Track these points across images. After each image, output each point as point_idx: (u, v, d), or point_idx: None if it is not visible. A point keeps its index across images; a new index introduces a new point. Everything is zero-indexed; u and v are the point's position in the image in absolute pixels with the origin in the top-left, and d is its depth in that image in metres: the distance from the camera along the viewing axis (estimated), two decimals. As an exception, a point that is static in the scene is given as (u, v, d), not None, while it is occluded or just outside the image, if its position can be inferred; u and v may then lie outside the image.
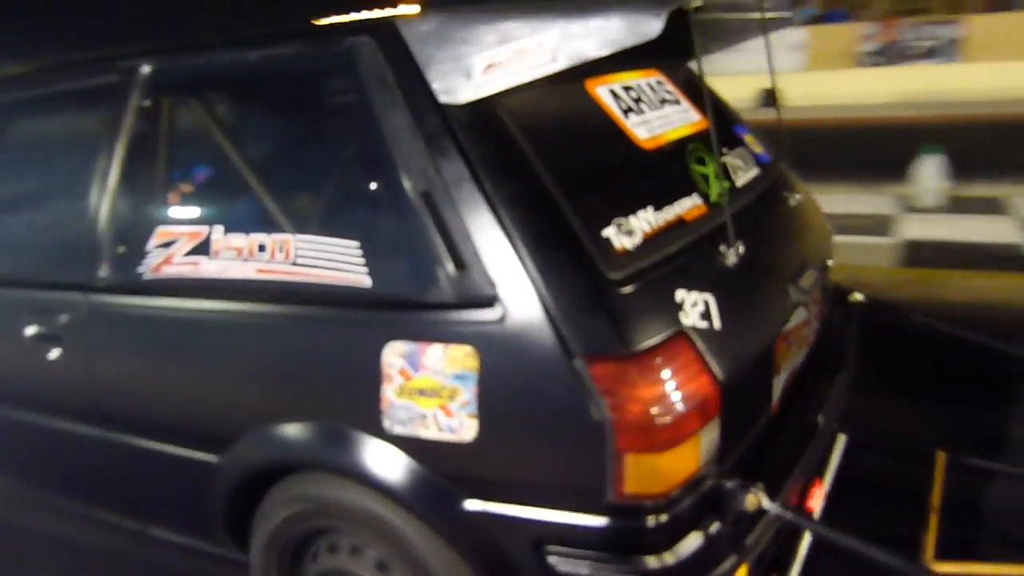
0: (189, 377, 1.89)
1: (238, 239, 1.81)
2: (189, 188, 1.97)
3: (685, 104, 2.22)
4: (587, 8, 1.53)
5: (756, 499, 1.55)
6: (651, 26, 1.48)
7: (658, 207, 1.74)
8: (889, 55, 12.45)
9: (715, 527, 1.54)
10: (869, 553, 1.51)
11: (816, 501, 1.90)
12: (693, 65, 2.32)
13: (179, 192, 1.98)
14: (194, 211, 1.94)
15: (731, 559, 1.52)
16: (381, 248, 1.64)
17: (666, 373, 1.45)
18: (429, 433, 1.57)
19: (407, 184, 1.60)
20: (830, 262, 2.39)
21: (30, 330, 2.13)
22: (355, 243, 1.66)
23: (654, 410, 1.43)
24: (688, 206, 1.82)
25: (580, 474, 1.47)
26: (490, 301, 1.51)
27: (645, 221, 1.68)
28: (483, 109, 1.60)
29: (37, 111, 2.32)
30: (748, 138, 2.44)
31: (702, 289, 1.63)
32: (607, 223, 1.60)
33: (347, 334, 1.67)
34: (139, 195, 2.00)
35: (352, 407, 1.66)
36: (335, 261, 1.68)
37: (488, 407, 1.51)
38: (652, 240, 1.65)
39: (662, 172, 1.90)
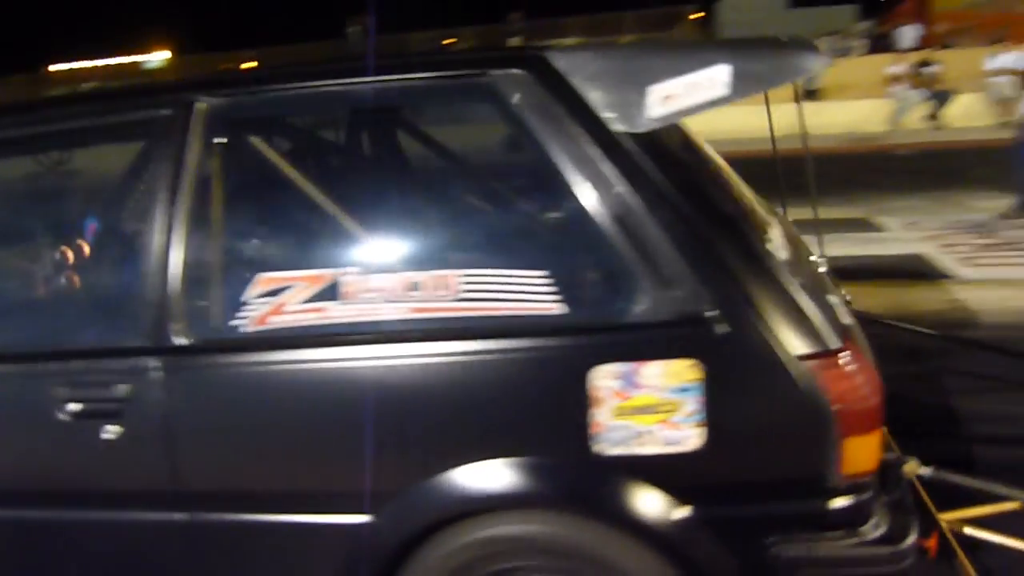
0: (327, 434, 1.73)
1: (380, 279, 1.72)
2: (301, 230, 1.81)
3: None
4: (751, 45, 1.71)
5: (914, 467, 1.80)
6: (815, 63, 1.69)
7: (765, 219, 1.95)
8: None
9: (886, 496, 1.75)
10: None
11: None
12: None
13: (286, 234, 1.81)
14: (313, 254, 1.79)
15: (909, 521, 1.74)
16: (573, 275, 1.67)
17: (858, 364, 1.65)
18: (648, 449, 1.62)
19: (596, 210, 1.65)
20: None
21: (69, 408, 1.80)
22: (540, 272, 1.66)
23: (863, 397, 1.61)
24: (771, 220, 2.05)
25: (804, 463, 1.61)
26: (704, 315, 1.61)
27: (772, 233, 1.87)
28: (658, 136, 1.71)
29: (64, 146, 1.98)
30: None
31: (829, 292, 1.86)
32: (762, 236, 1.77)
33: (542, 363, 1.66)
34: (226, 242, 1.80)
35: (553, 436, 1.65)
36: (515, 292, 1.67)
37: (714, 414, 1.60)
38: (789, 249, 1.85)
39: (740, 189, 2.11)
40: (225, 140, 1.82)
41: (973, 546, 2.00)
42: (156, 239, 1.80)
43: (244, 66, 1.97)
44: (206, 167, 1.81)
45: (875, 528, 1.65)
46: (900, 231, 6.83)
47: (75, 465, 1.84)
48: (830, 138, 12.29)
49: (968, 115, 12.76)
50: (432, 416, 1.69)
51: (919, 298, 4.96)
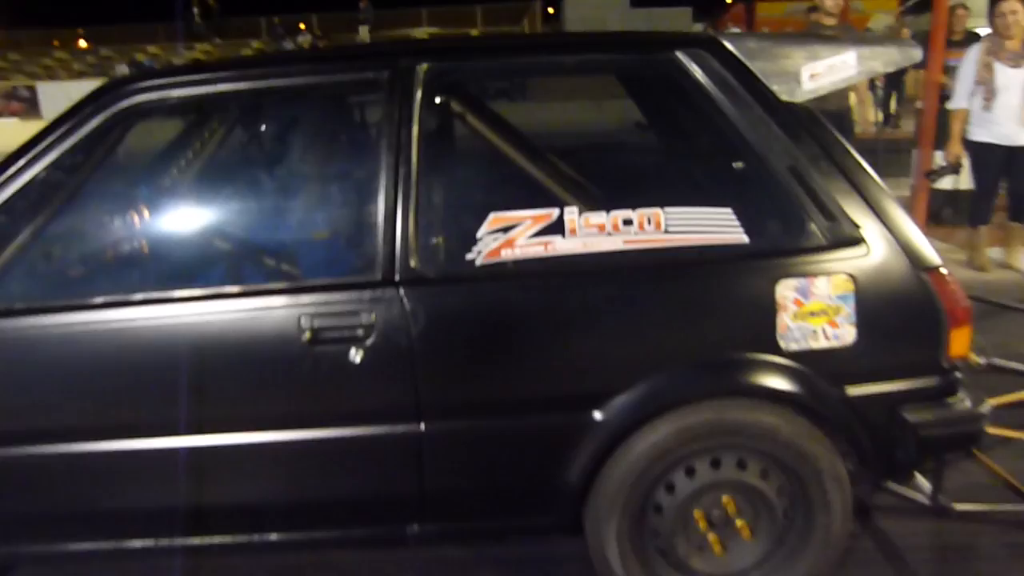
0: (563, 344, 2.08)
1: (598, 217, 2.10)
2: (527, 175, 2.14)
3: None
4: (871, 38, 2.23)
5: (974, 357, 2.41)
6: (915, 55, 2.24)
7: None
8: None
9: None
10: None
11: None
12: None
13: (512, 179, 2.14)
14: (540, 197, 2.13)
15: (979, 394, 2.33)
16: (755, 212, 2.12)
17: (952, 275, 2.23)
18: (819, 344, 2.11)
19: (771, 162, 2.11)
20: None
21: (321, 336, 2.04)
22: (728, 210, 2.11)
23: (960, 298, 2.19)
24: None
25: (925, 349, 2.16)
26: (857, 240, 2.12)
27: None
28: (808, 106, 2.20)
29: (282, 107, 2.17)
30: None
31: None
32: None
33: (741, 281, 2.11)
34: (457, 187, 2.10)
35: (751, 336, 2.10)
36: (709, 226, 2.11)
37: (863, 315, 2.11)
38: None
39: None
40: (445, 99, 2.12)
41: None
42: (393, 185, 2.07)
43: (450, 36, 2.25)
44: (432, 122, 2.11)
45: (964, 398, 2.24)
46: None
47: (323, 387, 2.08)
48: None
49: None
50: (651, 325, 2.09)
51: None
